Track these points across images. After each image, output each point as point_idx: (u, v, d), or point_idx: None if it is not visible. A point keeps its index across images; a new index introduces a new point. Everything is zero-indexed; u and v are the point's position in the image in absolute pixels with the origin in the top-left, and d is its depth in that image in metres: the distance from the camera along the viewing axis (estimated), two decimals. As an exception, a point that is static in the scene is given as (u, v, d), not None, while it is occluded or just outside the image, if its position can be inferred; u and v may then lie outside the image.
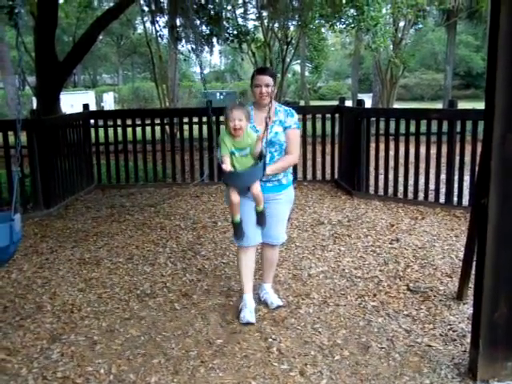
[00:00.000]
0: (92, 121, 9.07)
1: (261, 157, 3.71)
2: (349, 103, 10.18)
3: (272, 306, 4.14)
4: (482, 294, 3.02)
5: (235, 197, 3.83)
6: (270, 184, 3.89)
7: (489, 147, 2.92)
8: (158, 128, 9.24)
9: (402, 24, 19.21)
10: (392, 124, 7.56)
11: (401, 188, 7.44)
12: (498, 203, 2.93)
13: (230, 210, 3.99)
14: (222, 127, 4.06)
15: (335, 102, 9.11)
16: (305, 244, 5.74)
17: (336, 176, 8.79)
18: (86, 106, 9.11)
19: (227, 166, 3.67)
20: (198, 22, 11.81)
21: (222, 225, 6.47)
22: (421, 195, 7.24)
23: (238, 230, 3.93)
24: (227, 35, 13.90)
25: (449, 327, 3.78)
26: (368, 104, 17.41)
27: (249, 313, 3.92)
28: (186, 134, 8.99)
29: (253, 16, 17.28)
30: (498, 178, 2.91)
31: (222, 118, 4.42)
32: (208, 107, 4.12)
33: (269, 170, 3.79)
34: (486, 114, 2.94)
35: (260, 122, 3.89)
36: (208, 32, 12.78)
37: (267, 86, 3.88)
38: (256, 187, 3.78)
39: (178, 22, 12.08)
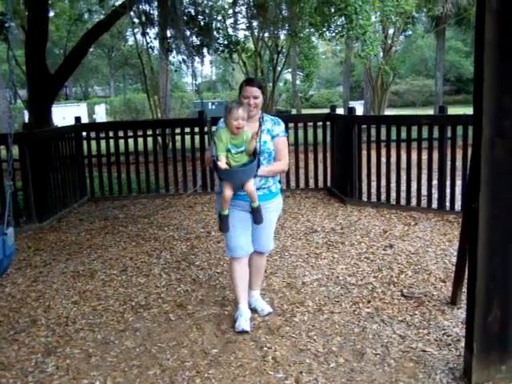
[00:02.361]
0: (84, 133, 9.07)
1: (255, 154, 3.78)
2: (340, 111, 10.21)
3: (263, 313, 4.17)
4: (475, 298, 3.04)
5: (229, 191, 3.85)
6: (261, 192, 3.91)
7: (478, 151, 2.95)
8: (150, 139, 9.26)
9: (391, 31, 19.35)
10: (383, 131, 7.60)
11: (393, 194, 7.47)
12: (488, 207, 2.95)
13: (221, 202, 3.97)
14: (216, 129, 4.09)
15: (327, 110, 9.15)
16: (298, 252, 5.75)
17: (329, 184, 8.83)
18: (77, 119, 9.11)
19: (223, 164, 3.70)
20: (188, 32, 11.84)
21: (215, 235, 6.47)
22: (413, 201, 7.27)
23: (224, 223, 3.95)
24: (218, 45, 13.94)
25: (443, 332, 3.80)
26: (359, 111, 17.48)
27: (244, 321, 3.93)
28: (179, 144, 9.01)
29: (243, 26, 17.36)
30: (487, 181, 2.94)
31: (214, 128, 4.40)
32: (204, 118, 4.20)
33: (260, 171, 3.82)
34: (475, 118, 2.98)
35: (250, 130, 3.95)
36: (198, 42, 12.81)
37: (255, 97, 3.94)
38: (250, 185, 3.81)
39: (168, 34, 12.11)
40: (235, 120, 3.73)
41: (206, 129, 8.72)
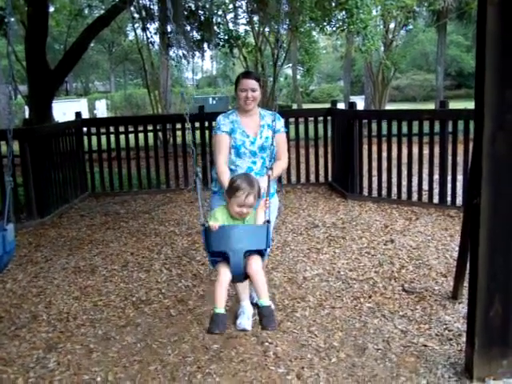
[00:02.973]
0: (85, 129, 9.06)
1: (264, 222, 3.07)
2: (341, 106, 10.19)
3: None
4: (477, 293, 3.03)
5: (225, 274, 2.97)
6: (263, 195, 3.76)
7: (479, 145, 2.94)
8: (151, 134, 9.24)
9: (392, 25, 19.29)
10: (384, 125, 7.58)
11: (394, 189, 7.45)
12: (489, 202, 2.94)
13: (213, 293, 3.06)
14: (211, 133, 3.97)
15: (328, 105, 9.13)
16: (300, 247, 5.75)
17: (330, 178, 8.81)
18: (78, 114, 9.10)
19: (215, 224, 2.95)
20: (188, 27, 11.83)
21: (216, 230, 6.45)
22: (414, 196, 7.26)
23: (217, 322, 2.95)
24: (218, 40, 13.92)
25: (444, 327, 3.79)
26: (360, 106, 17.42)
27: (246, 319, 3.90)
28: (179, 139, 9.00)
29: (243, 21, 17.30)
30: (489, 176, 2.92)
31: (214, 124, 4.32)
32: (186, 113, 3.44)
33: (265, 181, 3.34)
34: (476, 113, 2.96)
35: (248, 127, 3.85)
36: (199, 37, 12.80)
37: (253, 90, 3.77)
38: (256, 264, 2.96)
39: (168, 28, 12.09)
40: (239, 207, 3.09)
41: (208, 123, 8.75)
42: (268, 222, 3.04)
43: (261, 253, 3.00)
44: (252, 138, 3.82)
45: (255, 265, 2.97)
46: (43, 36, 9.74)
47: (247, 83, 3.79)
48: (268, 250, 3.07)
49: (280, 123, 3.91)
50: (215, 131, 3.90)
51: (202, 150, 8.75)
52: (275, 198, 4.04)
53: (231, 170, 3.75)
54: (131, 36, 29.85)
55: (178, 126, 9.03)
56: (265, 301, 3.01)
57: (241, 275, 2.96)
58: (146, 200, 8.42)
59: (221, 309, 2.99)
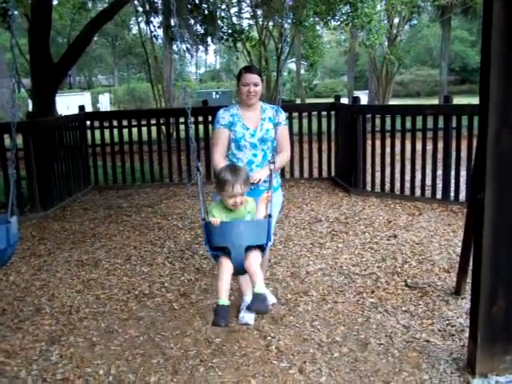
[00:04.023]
0: (88, 122, 9.06)
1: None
2: (345, 100, 10.17)
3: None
4: (480, 288, 3.03)
5: (227, 266, 3.00)
6: (262, 187, 3.71)
7: (484, 142, 2.93)
8: (154, 128, 9.24)
9: (396, 20, 19.22)
10: (388, 120, 7.56)
11: (398, 184, 7.44)
12: (493, 198, 2.93)
13: (216, 285, 3.08)
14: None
15: (331, 100, 9.12)
16: (302, 242, 5.75)
17: (333, 173, 8.80)
18: (81, 108, 9.10)
19: (216, 219, 2.94)
20: (192, 21, 11.79)
21: (219, 224, 6.45)
22: (418, 191, 7.24)
23: (221, 314, 2.93)
24: (222, 34, 13.88)
25: (447, 322, 3.79)
26: (364, 101, 17.36)
27: (249, 314, 3.89)
28: (183, 133, 8.98)
29: (247, 15, 17.25)
30: (493, 172, 2.92)
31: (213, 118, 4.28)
32: (186, 108, 3.24)
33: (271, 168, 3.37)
34: (481, 109, 2.95)
35: (249, 120, 3.85)
36: (202, 31, 12.76)
37: (255, 85, 3.81)
38: (255, 258, 2.98)
39: (172, 22, 12.05)
40: (230, 198, 3.07)
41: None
42: (269, 216, 3.06)
43: (261, 247, 3.02)
44: (252, 131, 3.82)
45: (252, 259, 2.97)
46: (47, 29, 9.71)
47: (250, 77, 3.83)
48: (269, 244, 3.11)
49: (282, 116, 3.87)
50: (214, 125, 3.95)
51: (205, 145, 8.74)
52: (279, 192, 4.04)
53: (233, 162, 3.75)
54: (135, 30, 29.85)
55: (182, 119, 9.02)
56: (259, 287, 2.95)
57: (242, 269, 2.98)
58: (149, 194, 8.43)
59: (224, 300, 2.97)
